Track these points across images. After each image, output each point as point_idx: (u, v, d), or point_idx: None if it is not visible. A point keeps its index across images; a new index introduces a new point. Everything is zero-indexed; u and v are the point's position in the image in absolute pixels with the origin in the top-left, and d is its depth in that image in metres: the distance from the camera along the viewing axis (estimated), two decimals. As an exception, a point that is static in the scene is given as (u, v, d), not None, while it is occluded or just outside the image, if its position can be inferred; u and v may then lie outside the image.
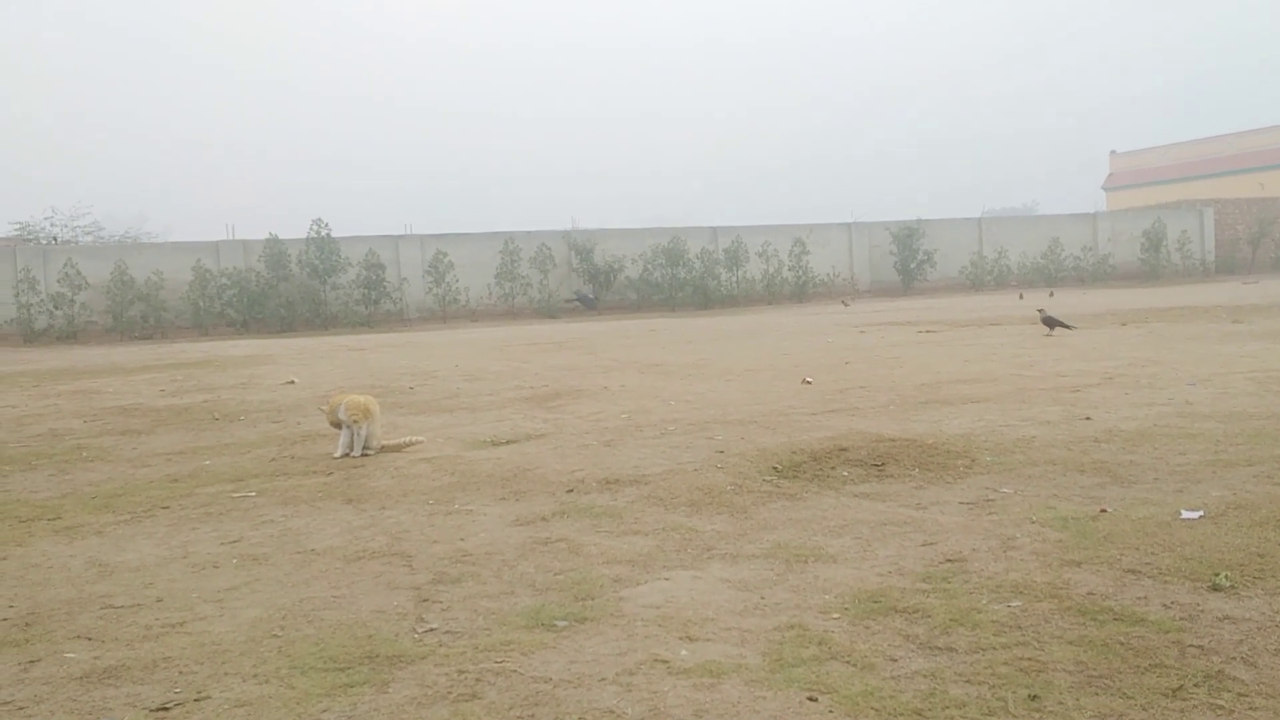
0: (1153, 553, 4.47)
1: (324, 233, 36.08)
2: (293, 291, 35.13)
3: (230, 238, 37.14)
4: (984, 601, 3.99)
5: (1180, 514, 5.06)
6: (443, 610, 4.25)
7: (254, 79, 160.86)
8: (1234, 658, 3.37)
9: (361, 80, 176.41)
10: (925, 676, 3.34)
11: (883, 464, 6.66)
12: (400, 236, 38.47)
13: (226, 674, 3.66)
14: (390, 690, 3.45)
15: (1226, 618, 3.70)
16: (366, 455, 7.87)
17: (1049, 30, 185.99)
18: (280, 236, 35.99)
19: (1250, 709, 3.02)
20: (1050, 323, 15.81)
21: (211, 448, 8.81)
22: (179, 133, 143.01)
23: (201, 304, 34.53)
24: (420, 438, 8.31)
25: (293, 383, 13.96)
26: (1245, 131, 66.75)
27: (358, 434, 7.89)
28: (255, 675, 3.64)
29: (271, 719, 3.29)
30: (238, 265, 35.30)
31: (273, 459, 8.09)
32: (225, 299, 34.79)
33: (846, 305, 33.33)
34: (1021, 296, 31.47)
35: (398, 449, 8.03)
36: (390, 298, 36.77)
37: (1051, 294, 33.01)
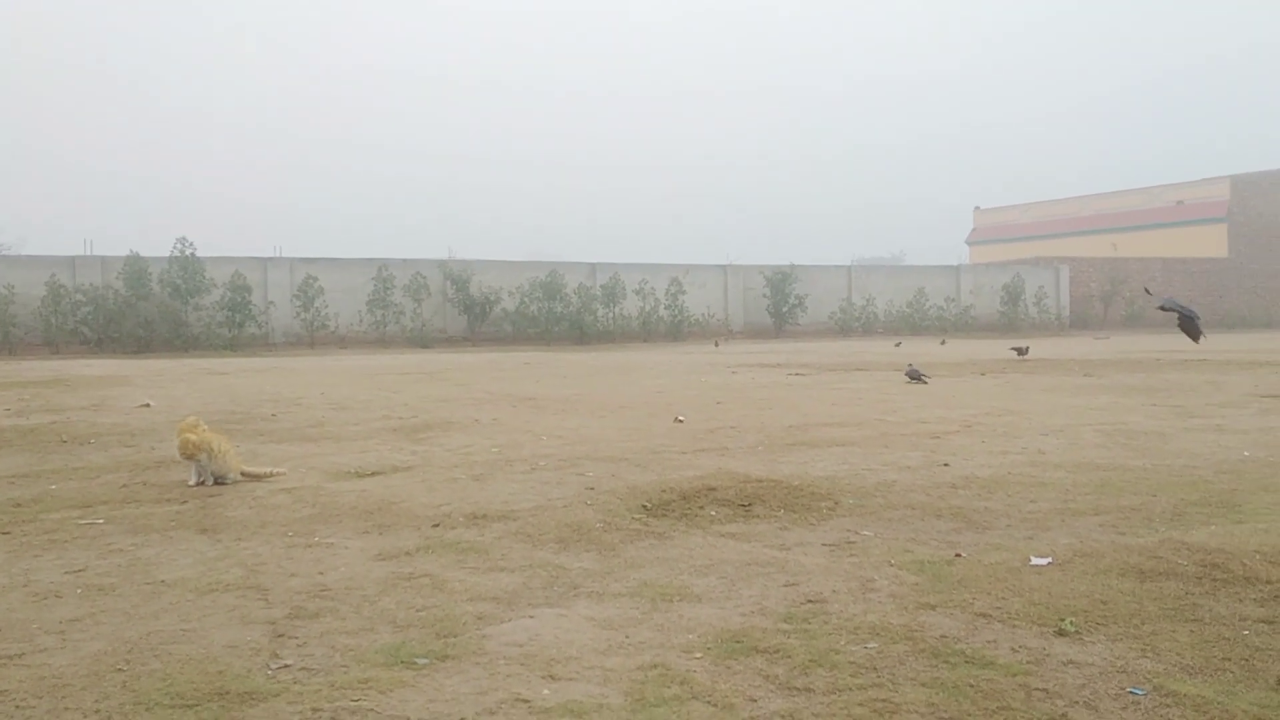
0: (1003, 597, 4.62)
1: (188, 252, 35.08)
2: (152, 311, 33.95)
3: (88, 253, 35.76)
4: (842, 642, 4.07)
5: (1030, 560, 5.25)
6: (298, 646, 4.13)
7: (114, 91, 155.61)
8: (1077, 702, 3.49)
9: (231, 97, 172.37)
10: (783, 717, 3.38)
11: (750, 504, 6.75)
12: (269, 259, 37.63)
13: (66, 709, 3.48)
14: (239, 729, 3.32)
15: (1071, 662, 3.85)
16: (223, 485, 7.61)
17: (923, 87, 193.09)
18: (142, 254, 34.81)
19: (1090, 750, 3.13)
20: (913, 376, 16.38)
21: (58, 471, 8.41)
22: (36, 143, 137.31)
23: (54, 321, 33.13)
24: (282, 469, 8.07)
25: (148, 405, 13.46)
26: (1101, 194, 70.36)
27: (201, 467, 7.62)
28: (97, 711, 3.47)
29: (110, 759, 3.13)
30: (95, 282, 34.03)
31: (124, 485, 7.76)
32: (80, 316, 33.47)
33: (717, 346, 33.78)
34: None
35: (257, 478, 7.78)
36: (256, 321, 35.88)
37: (898, 344, 34.01)
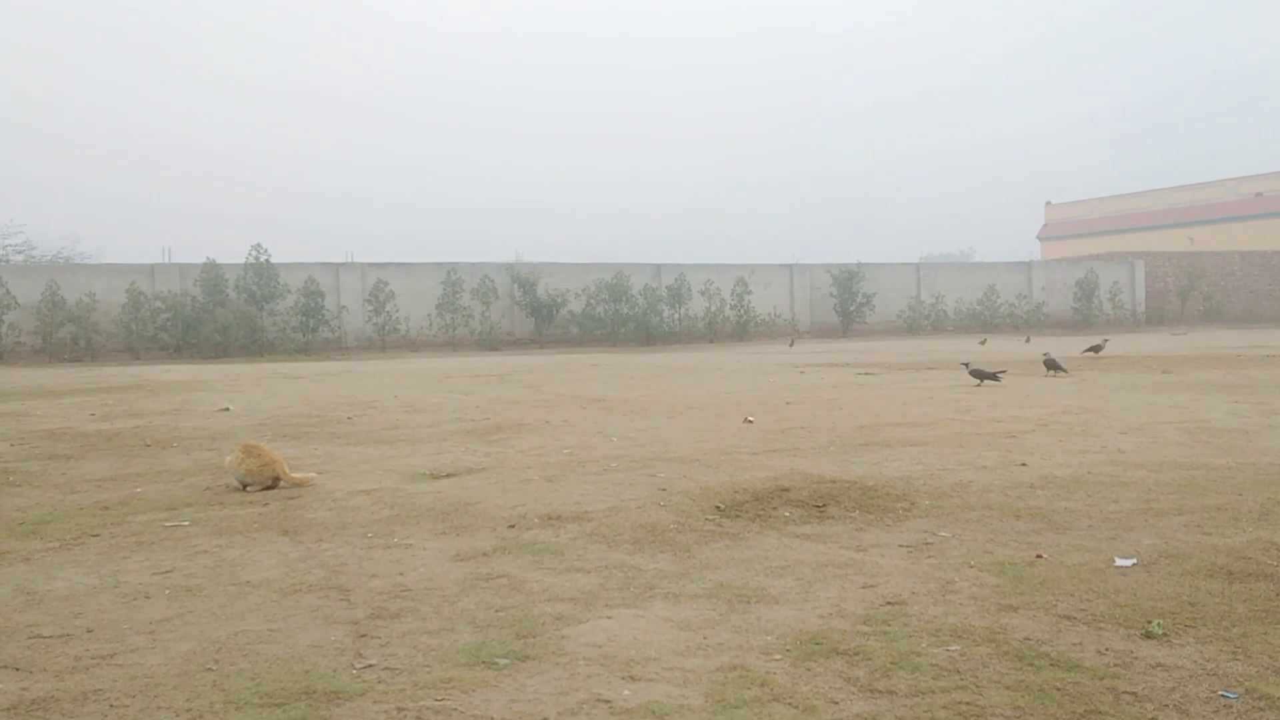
0: (1087, 599, 4.54)
1: (263, 258, 35.73)
2: (229, 317, 34.68)
3: (166, 261, 36.62)
4: (924, 645, 4.03)
5: (1114, 561, 5.16)
6: (381, 646, 4.19)
7: (195, 100, 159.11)
8: (1166, 705, 3.43)
9: (306, 107, 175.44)
10: (865, 719, 3.36)
11: (824, 505, 6.71)
12: (340, 264, 38.20)
13: (159, 708, 3.58)
14: (327, 727, 3.39)
15: (1159, 665, 3.77)
16: (273, 489, 7.75)
17: (994, 87, 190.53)
18: (218, 261, 35.56)
19: (1182, 755, 3.07)
20: (978, 374, 16.05)
21: (143, 475, 8.63)
22: (116, 152, 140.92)
23: (134, 327, 33.97)
24: (314, 475, 8.07)
25: (228, 410, 13.74)
26: (1176, 187, 68.82)
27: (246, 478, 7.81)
28: (189, 710, 3.56)
29: (204, 756, 3.21)
30: (173, 289, 34.83)
31: (206, 488, 7.94)
32: (159, 323, 34.28)
33: (792, 345, 33.58)
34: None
35: (297, 484, 7.84)
36: (329, 326, 36.45)
37: (983, 341, 33.55)
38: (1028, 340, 31.34)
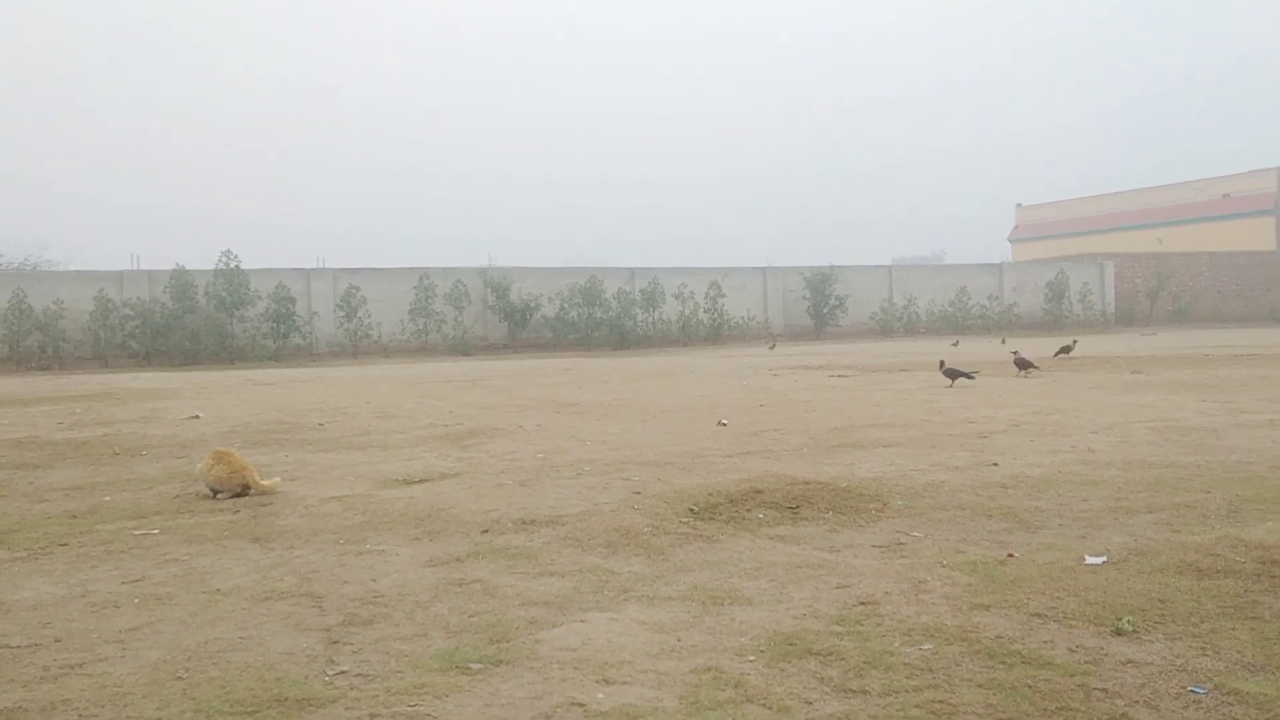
0: (1058, 597, 4.57)
1: (233, 264, 35.51)
2: (199, 324, 34.43)
3: (135, 267, 36.31)
4: (897, 644, 4.04)
5: (1084, 559, 5.19)
6: (354, 652, 4.16)
7: (161, 106, 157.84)
8: (1137, 701, 3.45)
9: (275, 110, 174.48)
10: (839, 719, 3.37)
11: (797, 507, 6.73)
12: (312, 270, 38.01)
13: (128, 717, 3.54)
14: (299, 735, 3.36)
15: (1129, 661, 3.80)
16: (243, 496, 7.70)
17: (961, 95, 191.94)
18: (187, 267, 35.30)
19: (1152, 751, 3.10)
20: (951, 374, 16.15)
21: (112, 483, 8.54)
22: (82, 158, 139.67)
23: (103, 335, 33.66)
24: (278, 480, 7.99)
25: (197, 417, 13.63)
26: (1145, 189, 69.50)
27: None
28: (158, 719, 3.52)
29: (174, 765, 3.18)
30: (142, 296, 34.55)
31: (176, 495, 7.87)
32: (128, 330, 33.97)
33: (772, 348, 33.61)
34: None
35: (266, 490, 7.78)
36: (300, 332, 36.24)
37: (956, 343, 33.74)
38: (1003, 341, 31.53)
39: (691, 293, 41.68)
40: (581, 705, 3.54)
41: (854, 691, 3.60)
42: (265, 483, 7.82)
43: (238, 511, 7.15)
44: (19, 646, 4.34)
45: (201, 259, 38.20)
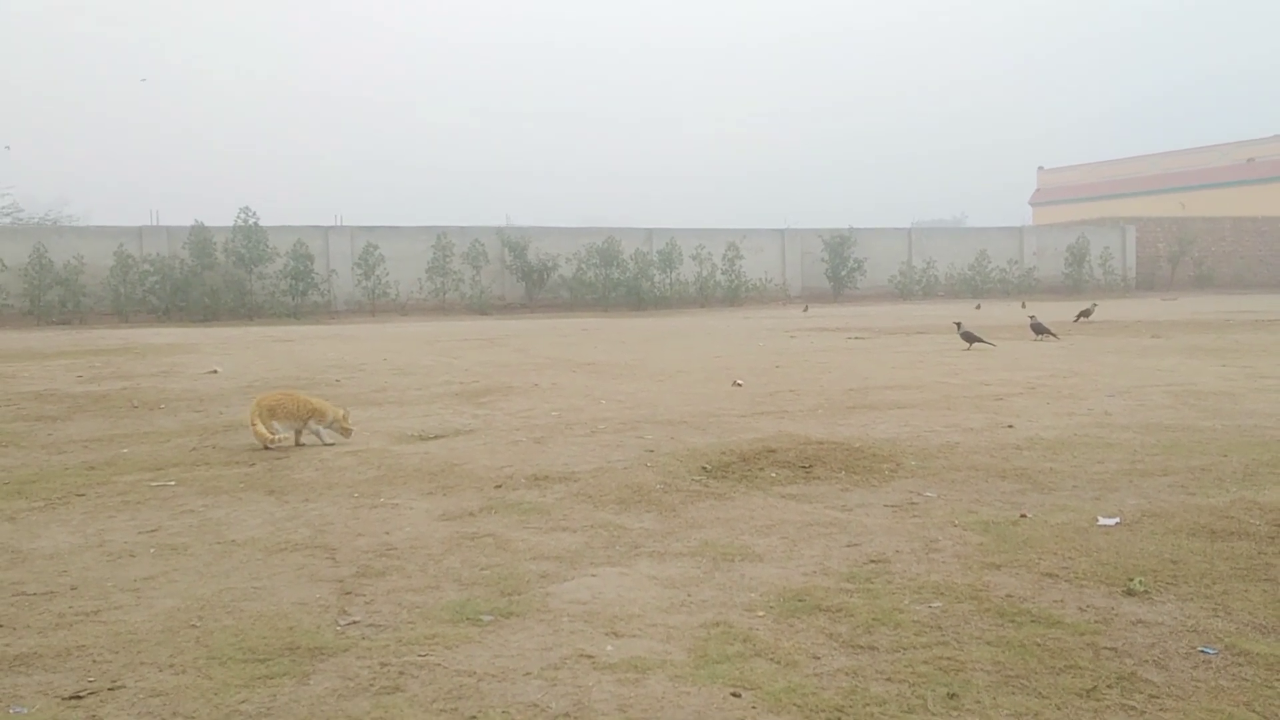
0: (1070, 557, 4.56)
1: (251, 221, 35.51)
2: (218, 280, 34.50)
3: (155, 224, 36.38)
4: (906, 602, 4.05)
5: (1097, 520, 5.18)
6: (366, 603, 4.20)
7: (181, 62, 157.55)
8: (1146, 660, 3.45)
9: (293, 66, 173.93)
10: (847, 674, 3.38)
11: (810, 466, 6.73)
12: (330, 228, 38.01)
13: (142, 663, 3.58)
14: (311, 682, 3.40)
15: (1140, 621, 3.80)
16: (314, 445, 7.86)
17: (987, 62, 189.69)
18: (206, 224, 35.34)
19: (1161, 710, 3.10)
20: (969, 338, 16.06)
21: (130, 436, 8.61)
22: (102, 114, 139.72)
23: (123, 290, 33.79)
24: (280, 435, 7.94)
25: (216, 372, 13.71)
26: (1167, 152, 68.65)
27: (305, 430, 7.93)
28: (171, 665, 3.56)
29: (188, 709, 3.22)
30: (161, 252, 34.62)
31: (193, 448, 7.93)
32: (147, 286, 34.08)
33: (805, 311, 33.34)
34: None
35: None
36: (318, 289, 36.29)
37: (979, 306, 33.53)
38: (1024, 305, 31.32)
39: (709, 254, 41.49)
40: (590, 657, 3.56)
41: (862, 648, 3.61)
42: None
43: (253, 465, 7.20)
44: (35, 594, 4.39)
45: (220, 216, 38.28)
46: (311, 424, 7.87)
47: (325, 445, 7.82)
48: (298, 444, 7.87)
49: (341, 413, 8.01)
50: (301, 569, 4.70)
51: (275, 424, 7.77)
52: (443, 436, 8.20)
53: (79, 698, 3.30)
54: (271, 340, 21.22)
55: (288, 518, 5.67)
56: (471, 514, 5.64)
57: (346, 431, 7.95)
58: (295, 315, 34.85)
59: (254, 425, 7.72)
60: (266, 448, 7.68)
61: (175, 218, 38.89)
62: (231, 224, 35.51)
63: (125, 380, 12.94)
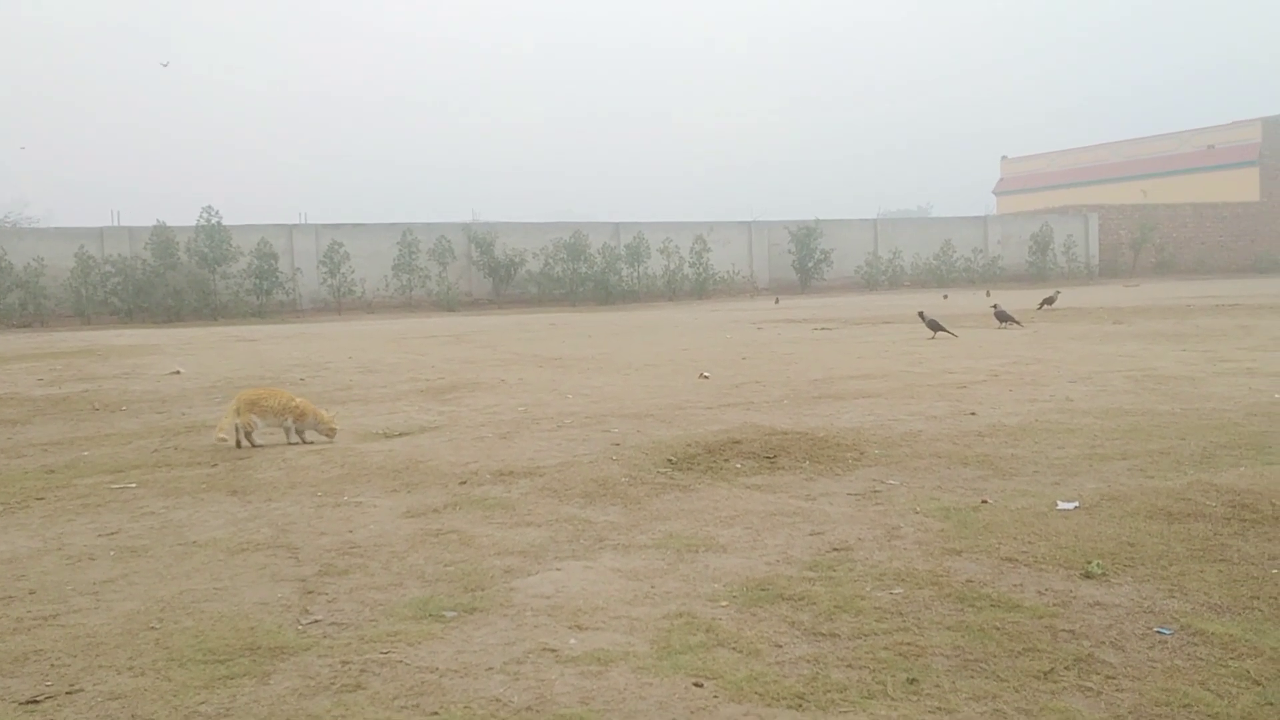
0: (1029, 542, 4.61)
1: (214, 221, 35.20)
2: (181, 280, 34.14)
3: (116, 224, 36.00)
4: (868, 589, 4.08)
5: (1057, 505, 5.23)
6: (328, 602, 4.18)
7: (140, 61, 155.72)
8: (1103, 642, 3.49)
9: (254, 63, 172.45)
10: (808, 661, 3.40)
11: (775, 456, 6.75)
12: (294, 226, 37.75)
13: (100, 666, 3.55)
14: (271, 682, 3.38)
15: (1097, 604, 3.84)
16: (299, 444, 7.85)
17: (951, 60, 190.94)
18: (169, 224, 34.99)
19: (1117, 690, 3.13)
20: (933, 326, 16.18)
21: (91, 438, 8.52)
22: (62, 115, 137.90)
23: (84, 292, 33.41)
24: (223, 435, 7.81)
25: (178, 373, 13.58)
26: (1129, 140, 69.24)
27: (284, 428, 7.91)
28: (130, 668, 3.53)
29: (146, 712, 3.19)
30: (123, 253, 34.26)
31: (155, 450, 7.85)
32: (109, 287, 33.73)
33: (777, 303, 33.44)
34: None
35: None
36: (283, 288, 36.03)
37: (945, 296, 33.73)
38: (988, 294, 31.54)
39: (677, 247, 41.51)
40: (553, 650, 3.56)
41: (824, 635, 3.63)
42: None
43: (215, 465, 7.14)
44: (-7, 599, 4.34)
45: (183, 216, 37.86)
46: (289, 422, 7.81)
47: (290, 444, 7.77)
48: (290, 441, 7.87)
49: (327, 415, 8.02)
50: (263, 569, 4.67)
51: (254, 418, 7.73)
52: (408, 434, 8.17)
53: (36, 702, 3.27)
54: (235, 340, 21.05)
55: (250, 518, 5.63)
56: (436, 510, 5.62)
57: (331, 432, 7.93)
58: (260, 315, 34.58)
59: (224, 420, 7.71)
60: (238, 445, 7.63)
61: (137, 218, 38.40)
62: (194, 224, 35.17)
63: (86, 382, 12.80)
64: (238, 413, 7.69)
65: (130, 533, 5.39)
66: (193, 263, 34.75)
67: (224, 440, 7.65)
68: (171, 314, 33.56)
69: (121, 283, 33.70)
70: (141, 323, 32.48)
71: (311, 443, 7.83)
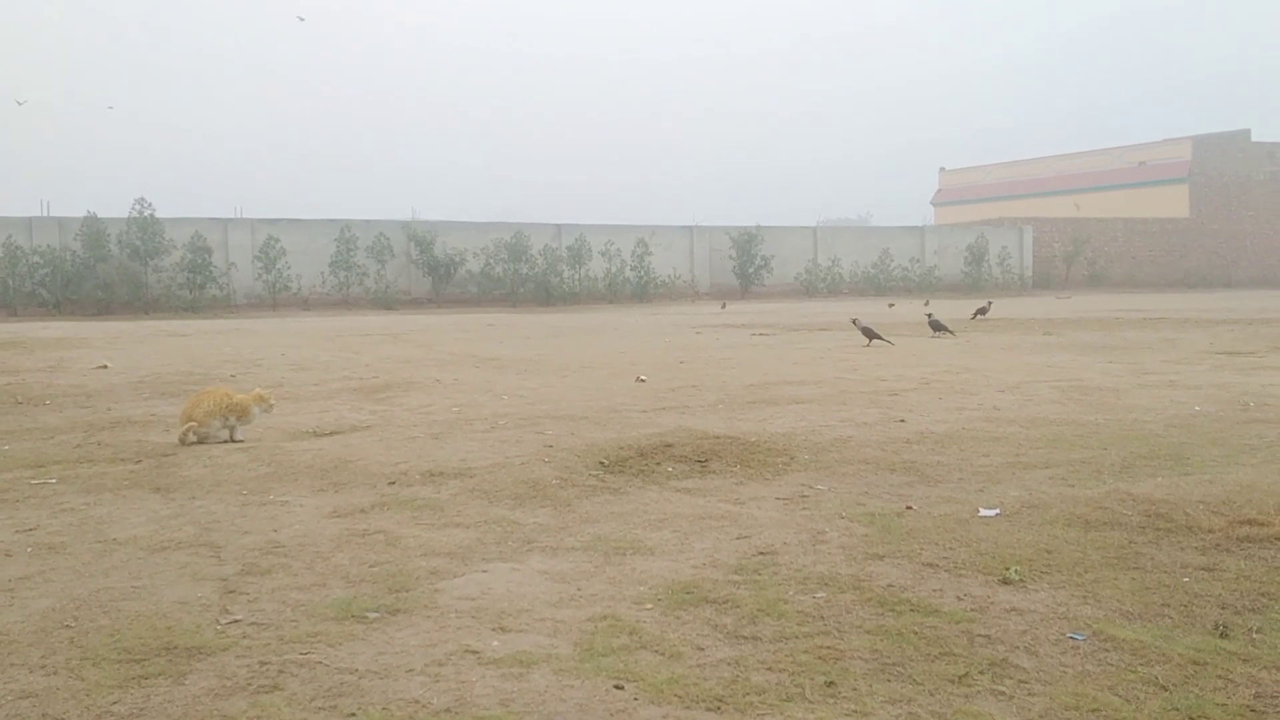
0: (951, 548, 4.68)
1: (147, 212, 34.56)
2: (111, 273, 33.47)
3: (45, 214, 35.20)
4: (791, 592, 4.12)
5: (979, 512, 5.32)
6: (249, 601, 4.12)
7: (73, 44, 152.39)
8: (1018, 647, 3.56)
9: (191, 48, 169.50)
10: (729, 664, 3.42)
11: (706, 460, 6.79)
12: (229, 220, 37.21)
13: (12, 665, 3.47)
14: (187, 682, 3.33)
15: (1014, 609, 3.91)
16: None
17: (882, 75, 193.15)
18: (99, 215, 34.28)
19: (1029, 695, 3.20)
20: (868, 333, 16.37)
21: (12, 432, 8.32)
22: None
23: (11, 283, 32.64)
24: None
25: (105, 367, 13.32)
26: (1063, 155, 70.67)
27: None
28: (43, 667, 3.46)
29: (58, 711, 3.13)
30: (52, 244, 33.51)
31: (78, 445, 7.70)
32: (37, 278, 32.98)
33: (724, 307, 33.57)
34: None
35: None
36: (217, 283, 35.47)
37: (891, 305, 34.11)
38: (926, 304, 31.97)
39: (618, 250, 41.57)
40: (476, 652, 3.55)
41: (746, 638, 3.66)
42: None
43: (139, 462, 7.01)
44: (-100, 596, 4.22)
45: (115, 207, 37.09)
46: (232, 420, 7.72)
47: (220, 442, 7.67)
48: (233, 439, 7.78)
49: (264, 393, 8.06)
50: (184, 568, 4.60)
51: (193, 424, 7.64)
52: (338, 433, 8.09)
53: (-60, 703, 3.19)
54: (166, 335, 20.68)
55: (172, 515, 5.54)
56: (363, 511, 5.58)
57: (269, 407, 8.01)
58: (193, 309, 34.01)
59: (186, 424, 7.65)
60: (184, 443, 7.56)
61: (67, 208, 37.64)
62: (126, 215, 34.50)
63: (9, 375, 12.51)
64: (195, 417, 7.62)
65: (48, 529, 5.28)
66: (124, 255, 34.10)
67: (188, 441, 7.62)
68: (101, 307, 32.88)
69: (50, 274, 32.97)
70: (70, 315, 31.79)
71: (241, 440, 7.72)
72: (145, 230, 34.26)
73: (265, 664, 3.45)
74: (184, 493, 6.08)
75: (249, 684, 3.30)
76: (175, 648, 3.61)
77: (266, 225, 37.24)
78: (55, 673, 3.41)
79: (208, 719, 3.07)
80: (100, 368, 13.29)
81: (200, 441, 7.56)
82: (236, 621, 3.89)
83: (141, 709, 3.14)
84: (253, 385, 11.03)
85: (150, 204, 34.75)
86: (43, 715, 3.11)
